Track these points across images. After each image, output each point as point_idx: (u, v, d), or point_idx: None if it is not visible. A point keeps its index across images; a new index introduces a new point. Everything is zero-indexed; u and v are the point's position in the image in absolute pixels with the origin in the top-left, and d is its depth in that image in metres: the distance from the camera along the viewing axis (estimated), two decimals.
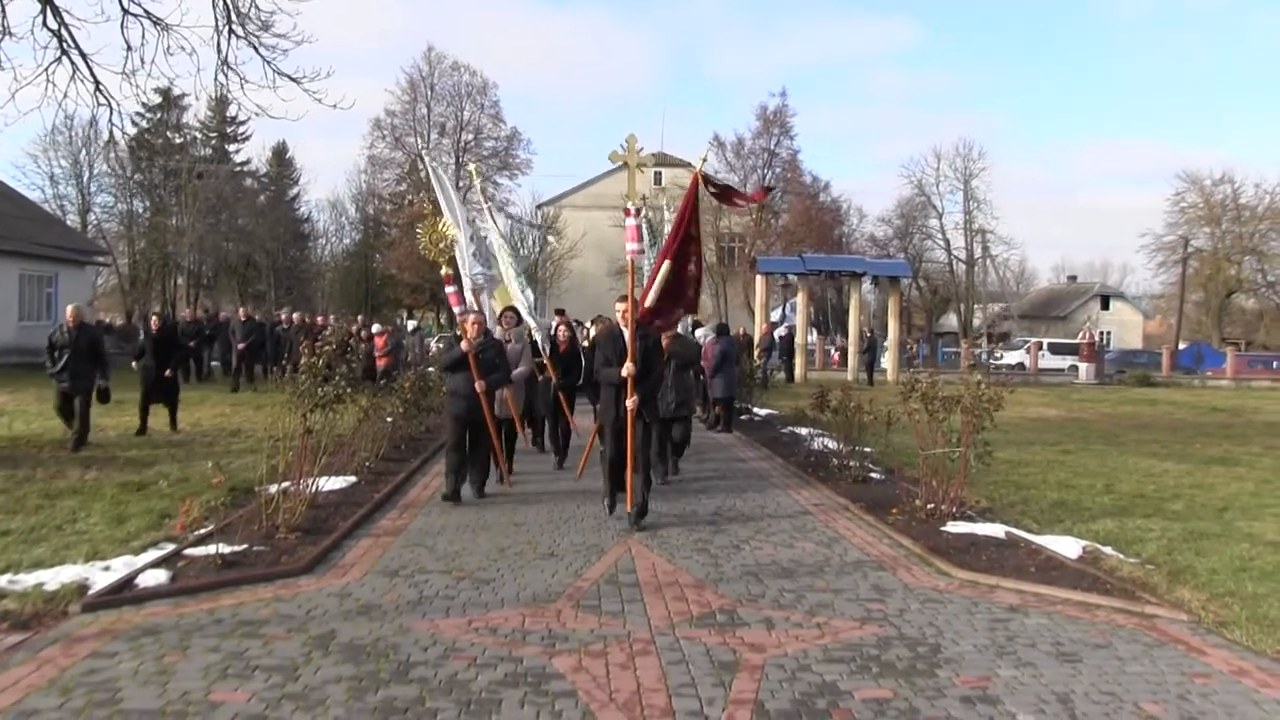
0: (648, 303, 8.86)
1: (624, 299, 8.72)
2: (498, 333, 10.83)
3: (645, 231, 11.73)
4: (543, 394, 11.98)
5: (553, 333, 12.54)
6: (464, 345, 9.39)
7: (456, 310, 10.50)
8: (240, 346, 21.92)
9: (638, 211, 9.04)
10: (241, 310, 24.72)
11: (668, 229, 11.69)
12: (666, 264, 8.88)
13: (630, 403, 8.20)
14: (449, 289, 11.04)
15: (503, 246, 14.10)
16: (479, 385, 9.29)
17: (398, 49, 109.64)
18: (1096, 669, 4.94)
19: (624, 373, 8.18)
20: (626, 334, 8.35)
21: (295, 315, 24.47)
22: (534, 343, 12.47)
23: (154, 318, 15.67)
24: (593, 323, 12.96)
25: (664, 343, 9.41)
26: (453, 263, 11.10)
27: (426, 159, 14.94)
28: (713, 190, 9.54)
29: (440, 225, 10.67)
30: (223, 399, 19.11)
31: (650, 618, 5.63)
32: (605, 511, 8.55)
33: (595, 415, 9.73)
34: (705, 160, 9.67)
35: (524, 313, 12.64)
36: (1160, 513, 9.15)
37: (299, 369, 8.41)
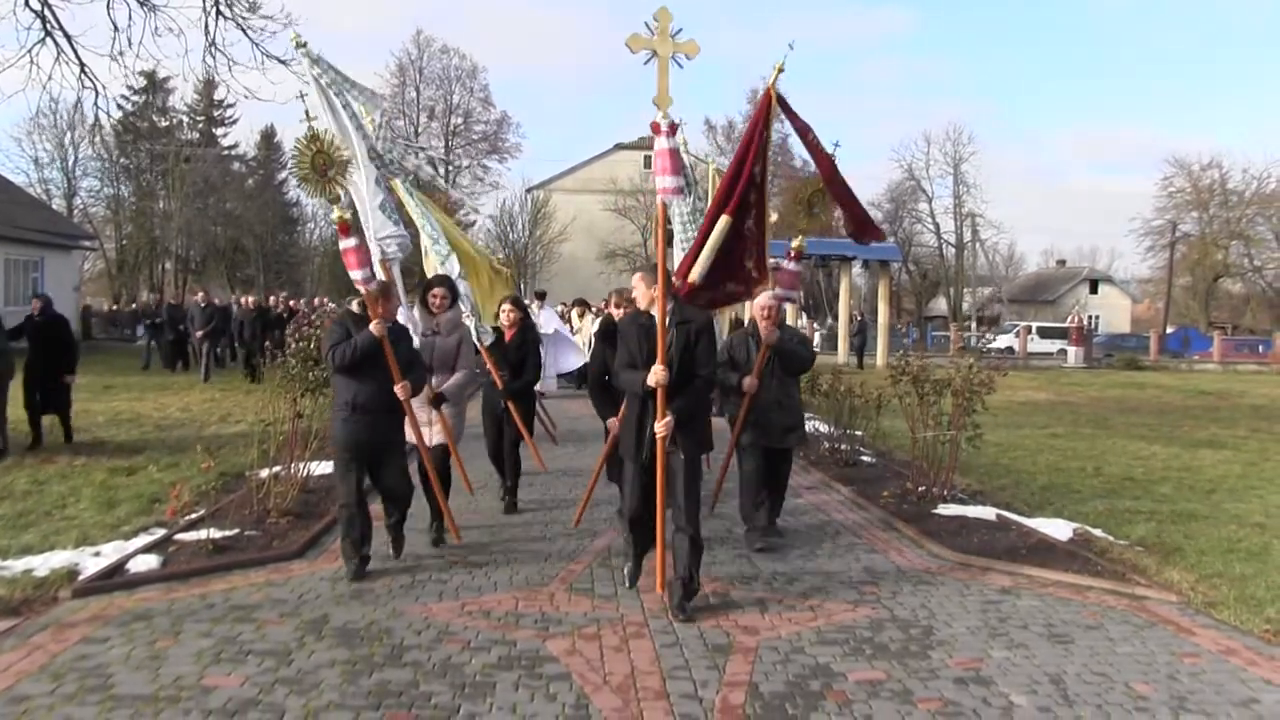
0: (695, 274, 6.33)
1: (647, 273, 5.71)
2: (403, 317, 7.21)
3: (686, 166, 7.53)
4: (487, 402, 8.48)
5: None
6: (373, 327, 6.04)
7: (356, 276, 6.32)
8: (199, 334, 20.47)
9: (672, 129, 5.68)
10: (200, 294, 22.71)
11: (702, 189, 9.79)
12: (724, 220, 6.31)
13: (660, 426, 5.41)
14: (345, 243, 6.38)
15: (425, 204, 9.43)
16: (401, 389, 6.12)
17: (388, 32, 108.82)
18: (1088, 650, 4.97)
19: (651, 380, 5.35)
20: (656, 325, 5.49)
21: (249, 299, 22.56)
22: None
23: (35, 300, 11.29)
24: (610, 304, 8.87)
25: (764, 332, 6.94)
26: (353, 208, 7.31)
27: (308, 65, 6.94)
28: (790, 117, 6.77)
29: (327, 143, 6.30)
30: (190, 385, 18.99)
31: (643, 601, 5.64)
32: (625, 583, 5.96)
33: (607, 435, 7.16)
34: (781, 71, 6.69)
35: (462, 296, 8.33)
36: (1149, 495, 9.21)
37: (251, 357, 8.00)
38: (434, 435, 7.04)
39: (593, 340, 17.90)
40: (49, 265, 29.98)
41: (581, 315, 18.97)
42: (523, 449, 8.56)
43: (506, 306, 8.51)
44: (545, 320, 15.36)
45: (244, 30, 13.89)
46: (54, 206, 44.76)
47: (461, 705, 4.17)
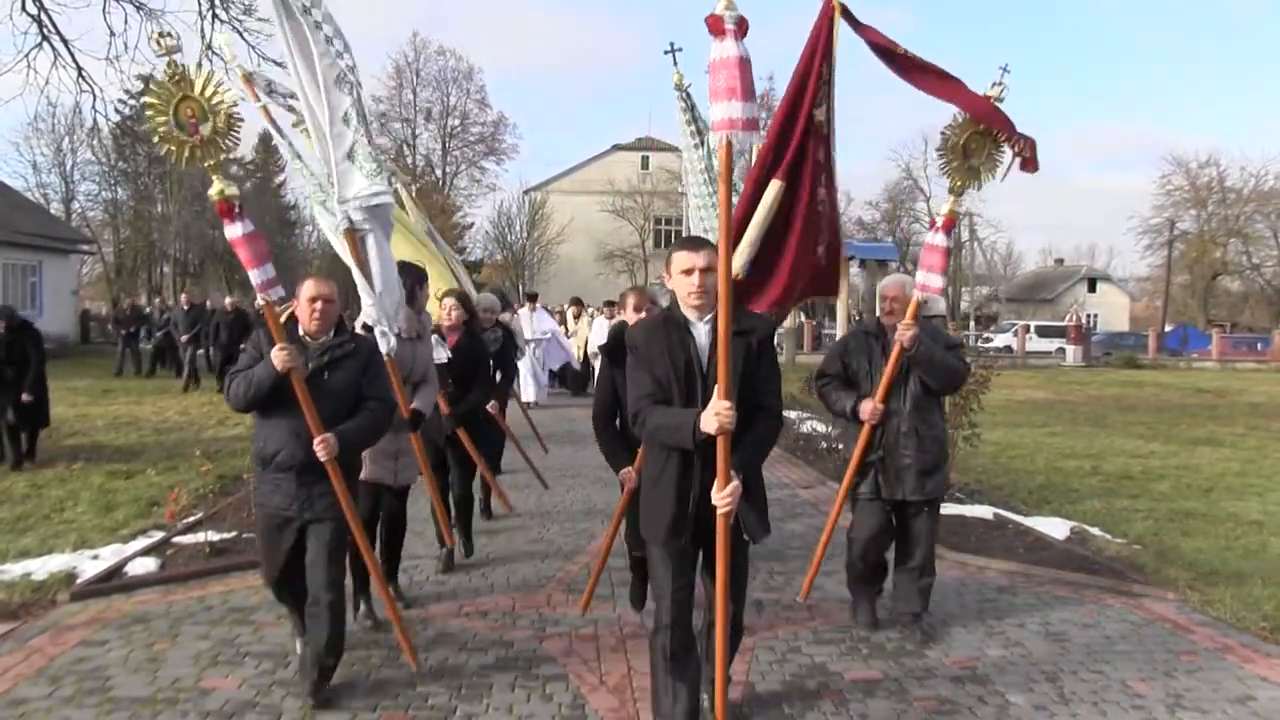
0: (736, 266, 4.72)
1: (690, 246, 3.70)
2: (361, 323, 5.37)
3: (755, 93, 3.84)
4: (432, 428, 5.99)
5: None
6: (274, 355, 4.08)
7: (255, 277, 4.29)
8: (184, 339, 19.31)
9: (742, 28, 3.46)
10: (185, 297, 21.59)
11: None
12: (775, 186, 4.88)
13: (723, 497, 3.48)
14: (232, 231, 4.27)
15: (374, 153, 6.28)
16: (322, 446, 4.12)
17: (385, 35, 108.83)
18: (1085, 648, 4.98)
19: (708, 425, 3.44)
20: (700, 330, 3.66)
21: (229, 301, 20.59)
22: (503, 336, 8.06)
23: None
24: (626, 307, 5.51)
25: (899, 333, 4.90)
26: (237, 185, 4.52)
27: None
28: (864, 32, 4.99)
29: (204, 84, 4.18)
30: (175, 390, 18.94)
31: None
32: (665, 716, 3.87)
33: (621, 489, 5.14)
34: None
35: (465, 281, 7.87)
36: (1147, 493, 9.22)
37: (226, 363, 7.17)
38: (400, 469, 5.36)
39: (591, 346, 17.67)
40: (47, 269, 29.95)
41: (578, 316, 18.63)
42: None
43: (450, 302, 6.51)
44: (538, 323, 15.09)
45: (240, 33, 13.91)
46: (52, 211, 44.74)
47: (458, 706, 4.18)
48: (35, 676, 4.43)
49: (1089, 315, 57.34)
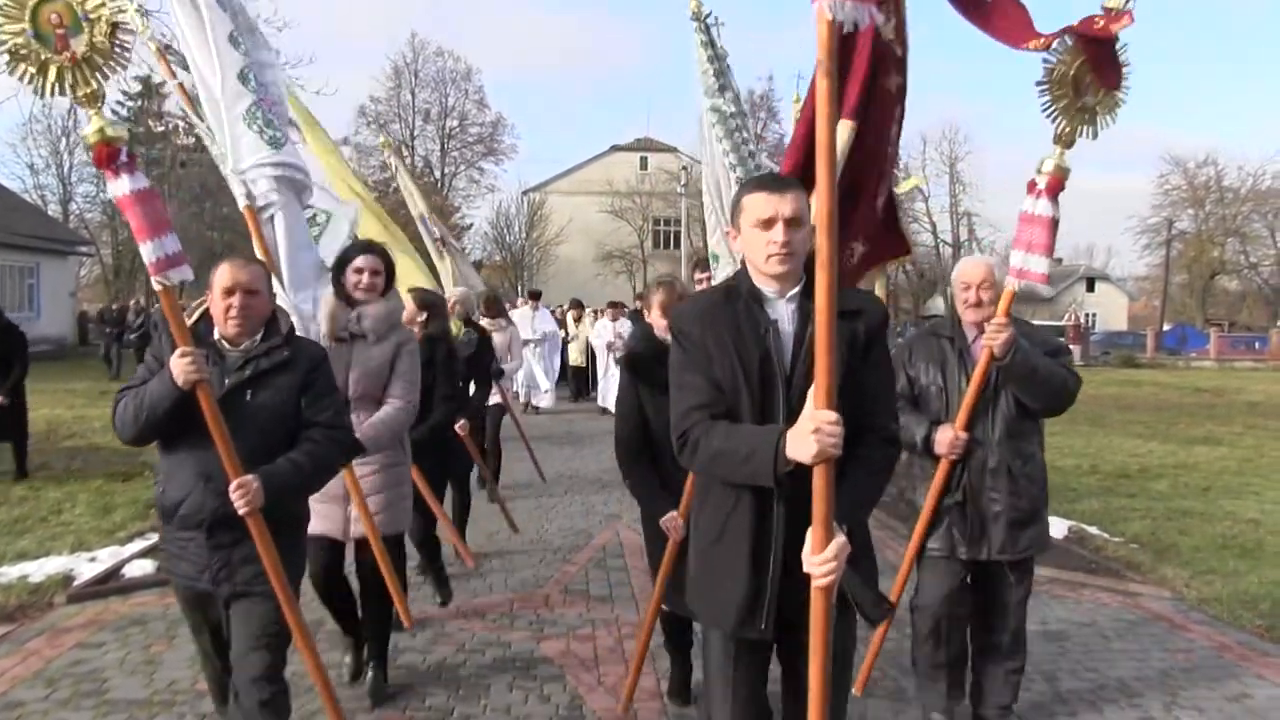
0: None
1: (771, 185, 2.50)
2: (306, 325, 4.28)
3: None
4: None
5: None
6: (175, 362, 2.96)
7: (148, 252, 3.00)
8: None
9: None
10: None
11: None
12: (845, 127, 3.65)
13: (820, 566, 2.22)
14: (117, 188, 3.04)
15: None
16: (240, 493, 2.97)
17: (385, 36, 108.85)
18: (1082, 647, 4.99)
19: (795, 453, 2.20)
20: (782, 310, 2.48)
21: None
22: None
23: None
24: (651, 306, 4.04)
25: (989, 335, 3.64)
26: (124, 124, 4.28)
27: None
28: None
29: None
30: None
31: (638, 601, 5.64)
32: None
33: (656, 542, 4.01)
34: None
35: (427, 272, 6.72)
36: (1144, 492, 9.22)
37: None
38: (355, 523, 4.20)
39: (593, 350, 17.52)
40: (45, 271, 29.96)
41: (578, 319, 18.29)
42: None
43: (410, 300, 5.41)
44: (539, 323, 14.62)
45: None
46: (49, 212, 44.73)
47: (455, 707, 4.18)
48: (32, 679, 4.42)
49: (1087, 314, 57.43)
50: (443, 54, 52.74)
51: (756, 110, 52.19)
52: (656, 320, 3.92)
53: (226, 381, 3.09)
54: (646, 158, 51.18)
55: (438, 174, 51.87)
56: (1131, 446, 12.60)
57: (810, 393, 2.21)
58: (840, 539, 2.23)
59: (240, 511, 2.97)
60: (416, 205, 8.16)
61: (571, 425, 13.71)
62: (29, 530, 7.16)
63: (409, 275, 6.57)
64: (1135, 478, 10.09)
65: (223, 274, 3.13)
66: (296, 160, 4.50)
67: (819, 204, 2.14)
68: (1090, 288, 70.20)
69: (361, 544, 4.23)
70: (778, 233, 2.40)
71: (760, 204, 2.44)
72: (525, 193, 52.97)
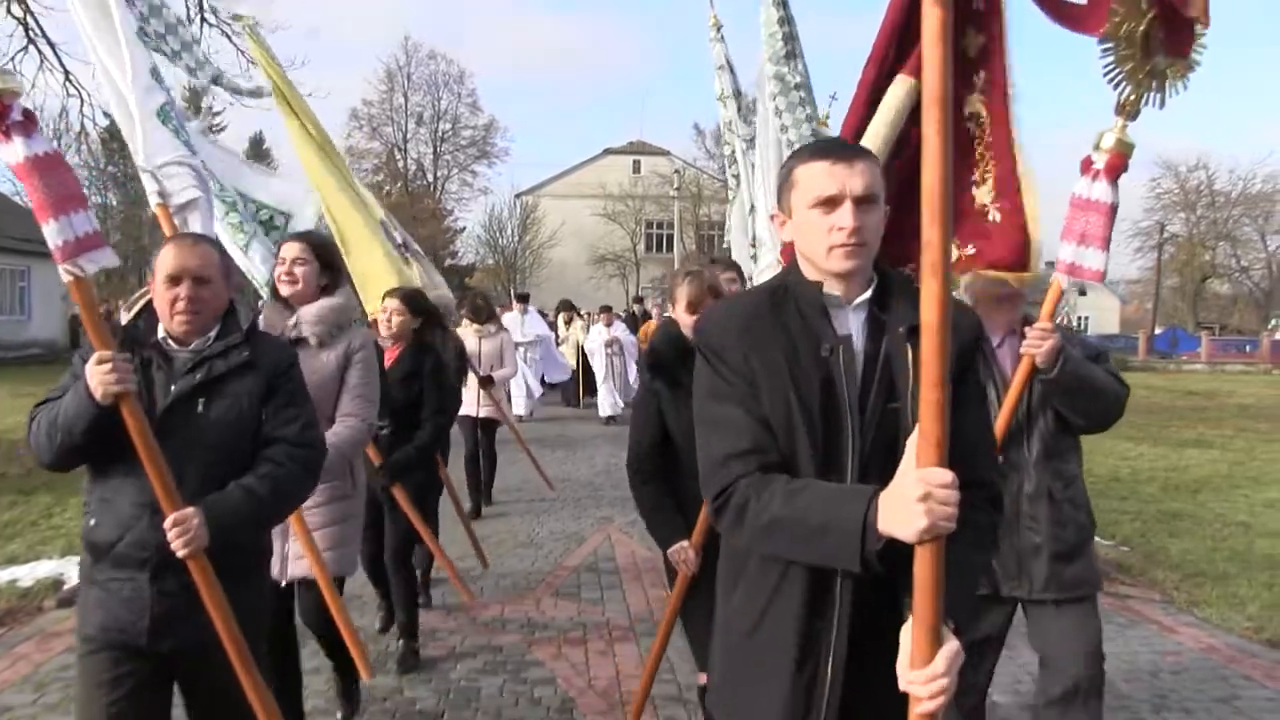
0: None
1: (837, 153, 1.88)
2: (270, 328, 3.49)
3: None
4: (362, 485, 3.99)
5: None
6: (95, 376, 2.39)
7: (52, 235, 2.41)
8: None
9: None
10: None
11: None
12: (904, 84, 3.10)
13: (928, 684, 1.59)
14: (12, 154, 2.36)
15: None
16: (178, 531, 2.39)
17: (377, 39, 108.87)
18: None
19: (894, 524, 1.60)
20: (850, 320, 1.89)
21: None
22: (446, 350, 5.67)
23: None
24: (678, 300, 3.45)
25: (1028, 343, 3.07)
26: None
27: None
28: None
29: None
30: None
31: (629, 604, 5.65)
32: None
33: (669, 576, 3.59)
34: None
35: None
36: (1135, 495, 9.25)
37: None
38: (295, 562, 3.59)
39: (584, 354, 16.87)
40: (36, 274, 29.85)
41: (569, 323, 17.71)
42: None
43: (389, 304, 4.90)
44: (530, 326, 14.11)
45: (229, 37, 13.89)
46: None
47: (446, 710, 4.18)
48: (21, 683, 4.41)
49: (1080, 318, 57.61)
50: (435, 57, 52.76)
51: (750, 116, 52.26)
52: (682, 317, 3.41)
53: (173, 389, 2.54)
54: (639, 161, 51.25)
55: (430, 177, 51.87)
56: (1123, 449, 12.64)
57: (911, 443, 1.61)
58: (952, 645, 1.62)
59: (179, 553, 2.39)
60: (376, 210, 7.41)
61: (565, 429, 13.71)
62: (19, 535, 7.15)
63: (393, 279, 5.66)
64: (1126, 480, 10.13)
65: (167, 258, 2.58)
66: (192, 163, 4.01)
67: (928, 175, 1.57)
68: (1082, 291, 70.03)
69: (298, 587, 3.63)
70: (845, 215, 1.82)
71: (821, 177, 1.84)
72: (518, 196, 52.99)
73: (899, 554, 1.61)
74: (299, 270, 3.60)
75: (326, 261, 3.70)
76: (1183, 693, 4.44)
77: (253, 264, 4.60)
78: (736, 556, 1.99)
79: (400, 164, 50.52)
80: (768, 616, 1.87)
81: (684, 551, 3.30)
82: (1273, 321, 53.88)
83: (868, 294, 1.89)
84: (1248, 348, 42.05)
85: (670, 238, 47.03)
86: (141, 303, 2.78)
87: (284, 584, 3.57)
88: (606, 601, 5.73)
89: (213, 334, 2.62)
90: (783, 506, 1.73)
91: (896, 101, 2.95)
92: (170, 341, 2.61)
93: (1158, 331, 49.46)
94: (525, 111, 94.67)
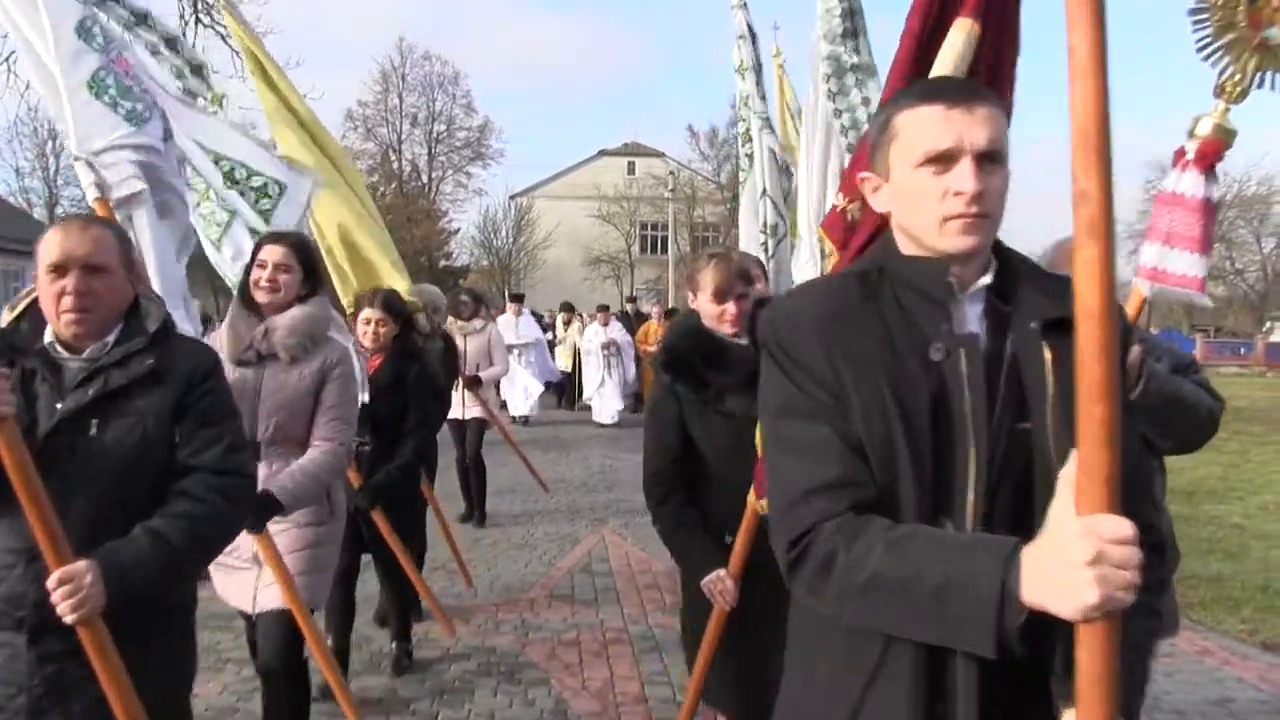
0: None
1: (952, 94, 1.42)
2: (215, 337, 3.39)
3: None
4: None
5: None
6: None
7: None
8: None
9: None
10: None
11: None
12: (964, 27, 2.36)
13: None
14: None
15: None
16: (64, 592, 1.89)
17: (372, 40, 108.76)
18: None
19: (1038, 594, 1.17)
20: (968, 312, 1.45)
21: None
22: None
23: None
24: (701, 290, 2.93)
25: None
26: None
27: None
28: None
29: None
30: None
31: (623, 606, 5.64)
32: None
33: (693, 604, 2.93)
34: None
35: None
36: None
37: None
38: (263, 590, 3.35)
39: (579, 356, 16.64)
40: (30, 275, 29.77)
41: (568, 323, 17.40)
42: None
43: (369, 314, 4.48)
44: (524, 328, 13.55)
45: (224, 39, 13.86)
46: (35, 216, 44.50)
47: (440, 711, 4.17)
48: None
49: None
50: (430, 58, 52.74)
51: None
52: (705, 307, 2.92)
53: (59, 407, 2.05)
54: (634, 163, 51.26)
55: (425, 178, 51.83)
56: None
57: (1065, 479, 1.20)
58: None
59: (65, 618, 1.89)
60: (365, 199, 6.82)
61: (558, 431, 13.70)
62: None
63: (388, 278, 5.31)
64: None
65: (49, 245, 2.10)
66: (150, 142, 3.44)
67: (1080, 110, 1.16)
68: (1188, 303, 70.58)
69: (260, 619, 3.33)
70: (964, 176, 1.38)
71: (932, 126, 1.40)
72: (513, 197, 53.00)
73: (1046, 627, 1.20)
74: (282, 278, 3.19)
75: (310, 268, 3.31)
76: (1176, 695, 4.43)
77: (224, 260, 4.14)
78: (817, 622, 1.49)
79: (395, 165, 50.45)
80: (865, 709, 1.40)
81: (721, 582, 2.75)
82: (1267, 324, 54.07)
83: (987, 278, 1.46)
84: (1242, 350, 42.25)
85: (665, 239, 47.06)
86: (25, 302, 2.34)
87: (254, 617, 3.26)
88: (601, 604, 5.73)
89: (111, 338, 2.14)
90: (885, 561, 1.29)
91: (955, 52, 2.41)
92: (59, 348, 2.13)
93: (1153, 333, 49.62)
94: (520, 113, 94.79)
